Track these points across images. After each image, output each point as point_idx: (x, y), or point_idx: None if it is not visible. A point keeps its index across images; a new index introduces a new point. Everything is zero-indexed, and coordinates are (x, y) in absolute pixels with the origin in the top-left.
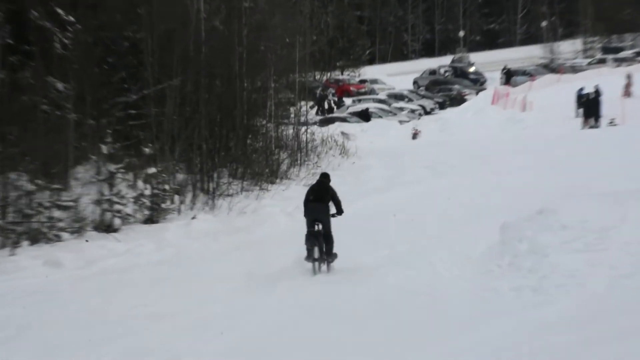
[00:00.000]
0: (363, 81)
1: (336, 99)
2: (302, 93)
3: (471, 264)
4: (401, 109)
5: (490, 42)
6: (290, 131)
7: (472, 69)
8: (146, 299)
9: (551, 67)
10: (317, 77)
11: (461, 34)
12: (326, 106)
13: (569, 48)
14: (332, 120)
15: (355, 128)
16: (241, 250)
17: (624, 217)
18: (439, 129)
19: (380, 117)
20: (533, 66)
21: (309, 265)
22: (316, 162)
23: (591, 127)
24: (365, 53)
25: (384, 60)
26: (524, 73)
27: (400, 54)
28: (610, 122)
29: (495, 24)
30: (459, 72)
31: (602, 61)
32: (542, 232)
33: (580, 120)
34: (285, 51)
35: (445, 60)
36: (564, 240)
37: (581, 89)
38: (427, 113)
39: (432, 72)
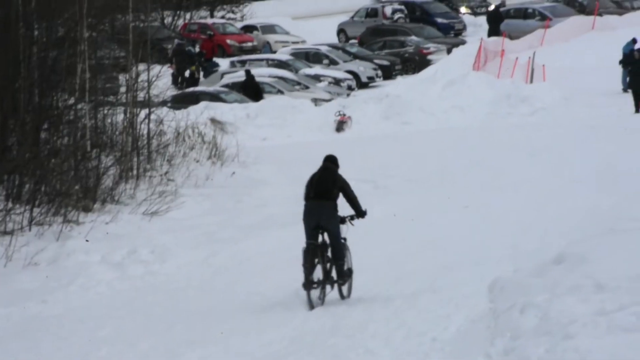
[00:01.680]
0: (249, 29)
1: (203, 60)
2: (140, 49)
3: (439, 353)
4: (317, 78)
5: None
6: (120, 118)
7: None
8: None
9: (579, 3)
10: (169, 21)
11: None
12: (186, 73)
13: None
14: (195, 98)
15: (235, 112)
16: (24, 342)
17: None
18: (384, 113)
19: (279, 92)
20: (546, 1)
21: (304, 295)
22: (166, 173)
23: None
24: None
25: None
26: (527, 14)
27: None
28: None
29: None
30: (419, 13)
31: None
32: (562, 296)
33: (630, 97)
34: None
35: None
36: (601, 310)
37: (632, 43)
38: (362, 85)
39: (371, 14)
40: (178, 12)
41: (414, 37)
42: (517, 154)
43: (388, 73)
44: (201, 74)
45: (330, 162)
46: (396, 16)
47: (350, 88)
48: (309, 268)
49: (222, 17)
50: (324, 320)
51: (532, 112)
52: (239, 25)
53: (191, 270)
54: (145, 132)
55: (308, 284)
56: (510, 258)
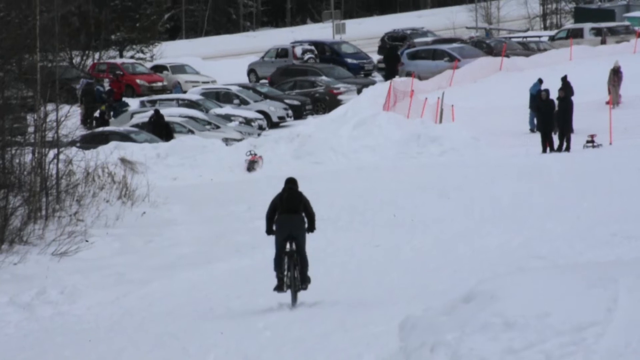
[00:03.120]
0: (159, 69)
1: (112, 99)
2: (48, 89)
3: None
4: (228, 118)
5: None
6: (29, 158)
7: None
8: None
9: (486, 45)
10: (77, 60)
11: None
12: (95, 112)
13: (516, 11)
14: (104, 138)
15: (146, 151)
16: None
17: (610, 308)
18: (295, 152)
19: (190, 131)
20: (455, 44)
21: (282, 296)
22: (76, 213)
23: (555, 150)
24: (163, 18)
25: (196, 31)
26: (436, 54)
27: (227, 22)
28: (589, 142)
29: None
30: (329, 53)
31: (574, 34)
32: (472, 334)
33: (539, 137)
34: (14, 13)
35: (305, 31)
36: (511, 348)
37: (539, 84)
38: (273, 125)
39: (282, 54)
40: (87, 52)
41: (324, 77)
42: (427, 194)
43: (299, 113)
44: (111, 113)
45: (292, 184)
46: (306, 56)
47: (261, 128)
48: (281, 273)
49: (132, 57)
50: None
51: (442, 152)
52: (149, 65)
53: (101, 311)
54: (54, 172)
55: (284, 287)
56: (421, 296)
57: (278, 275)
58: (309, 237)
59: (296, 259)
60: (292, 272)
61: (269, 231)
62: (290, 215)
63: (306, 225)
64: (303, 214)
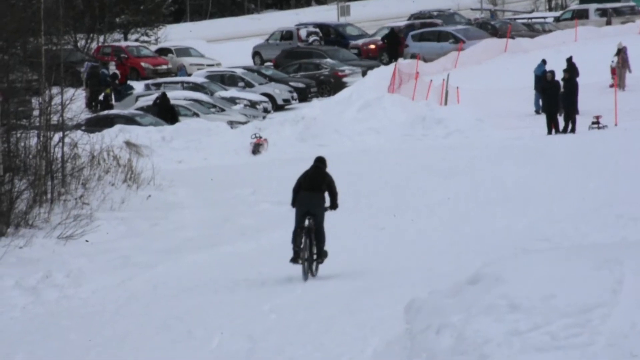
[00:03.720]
0: (164, 52)
1: (117, 82)
2: (53, 72)
3: None
4: (233, 100)
5: None
6: (34, 141)
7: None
8: None
9: (491, 26)
10: (82, 44)
11: None
12: (100, 96)
13: None
14: (109, 121)
15: (150, 135)
16: None
17: (616, 290)
18: (300, 135)
19: (195, 114)
20: (460, 24)
21: (297, 269)
22: (81, 197)
23: (560, 131)
24: (167, 1)
25: (200, 14)
26: (441, 36)
27: (232, 4)
28: (594, 123)
29: None
30: (334, 35)
31: (579, 15)
32: (477, 316)
33: (544, 118)
34: None
35: (309, 13)
36: (516, 330)
37: (543, 65)
38: (277, 108)
39: (286, 36)
40: (91, 35)
41: (329, 60)
42: (432, 176)
43: (304, 95)
44: (112, 96)
45: (320, 163)
46: (311, 39)
47: (266, 110)
48: (297, 246)
49: (136, 40)
50: (241, 344)
51: (447, 134)
52: (154, 48)
53: (106, 295)
54: (59, 155)
55: (298, 259)
56: (426, 279)
57: (294, 248)
58: (330, 215)
59: (312, 235)
60: (306, 246)
61: (293, 204)
62: (311, 192)
63: (327, 204)
64: (325, 193)
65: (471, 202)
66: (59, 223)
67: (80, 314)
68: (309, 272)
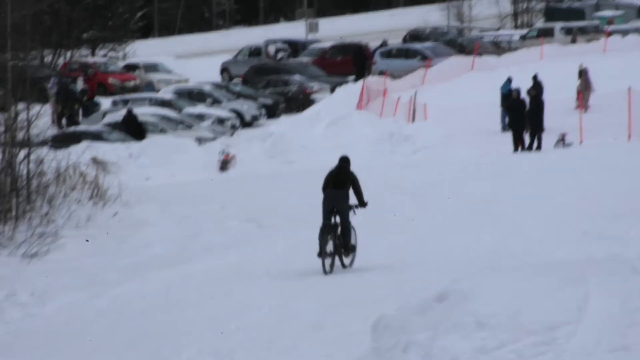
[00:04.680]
0: (132, 68)
1: (85, 98)
2: (19, 88)
3: None
4: (201, 117)
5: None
6: None
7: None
8: None
9: (458, 44)
10: (49, 59)
11: None
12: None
13: (488, 10)
14: (76, 138)
15: (118, 151)
16: None
17: (581, 307)
18: (268, 152)
19: (163, 131)
20: (428, 42)
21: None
22: (47, 214)
23: (526, 148)
24: (135, 17)
25: (169, 29)
26: (409, 54)
27: (200, 20)
28: (560, 141)
29: None
30: (303, 51)
31: (545, 33)
32: (444, 333)
33: (510, 135)
34: None
35: (278, 30)
36: (483, 347)
37: (509, 83)
38: (246, 124)
39: (255, 53)
40: (58, 51)
41: (297, 76)
42: (400, 192)
43: (272, 112)
44: (80, 113)
45: (344, 162)
46: (280, 55)
47: (234, 127)
48: (323, 242)
49: (104, 56)
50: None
51: (415, 150)
52: (121, 64)
53: (72, 313)
54: (24, 172)
55: (323, 254)
56: (394, 295)
57: (320, 243)
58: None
59: (337, 230)
60: (333, 241)
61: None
62: (335, 190)
63: (350, 201)
64: (349, 190)
65: (439, 219)
66: (23, 241)
67: (45, 334)
68: (338, 264)
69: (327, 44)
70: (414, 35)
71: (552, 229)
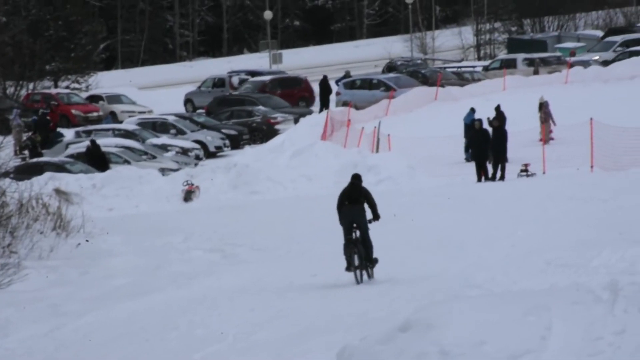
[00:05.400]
0: (95, 99)
1: (48, 130)
2: None
3: None
4: (165, 148)
5: (318, 30)
6: None
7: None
8: None
9: (422, 75)
10: (11, 91)
11: (268, 15)
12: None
13: (451, 42)
14: (39, 169)
15: (81, 182)
16: None
17: (544, 336)
18: (232, 182)
19: (126, 162)
20: (392, 73)
21: (351, 275)
22: (9, 245)
23: (490, 178)
24: (98, 48)
25: (132, 61)
26: (372, 84)
27: (164, 51)
28: (523, 171)
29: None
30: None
31: (507, 64)
32: None
33: (473, 166)
34: None
35: (241, 61)
36: None
37: (472, 113)
38: (210, 155)
39: (218, 84)
40: (21, 82)
41: (261, 107)
42: None
43: (236, 143)
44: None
45: (356, 179)
46: (244, 87)
47: (198, 158)
48: (349, 256)
49: (67, 87)
50: None
51: (379, 180)
52: (84, 95)
53: (34, 344)
54: None
55: (351, 267)
56: (359, 325)
57: (346, 259)
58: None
59: (359, 244)
60: (358, 255)
61: (340, 220)
62: (352, 205)
63: (366, 214)
64: (365, 205)
65: (403, 248)
66: None
67: None
68: (363, 276)
69: (267, 78)
70: (392, 67)
71: (516, 259)
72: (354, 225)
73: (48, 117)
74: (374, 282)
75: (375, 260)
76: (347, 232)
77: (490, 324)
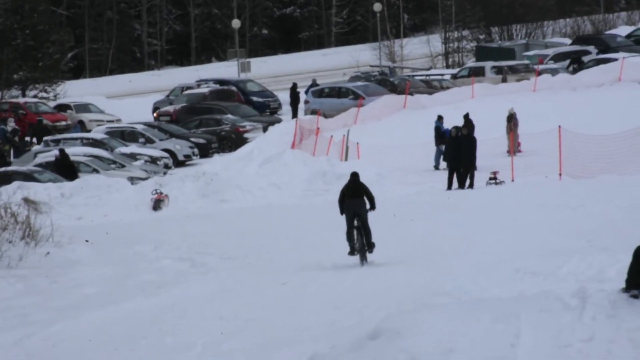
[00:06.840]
0: (63, 108)
1: (17, 139)
2: None
3: None
4: (133, 156)
5: (286, 38)
6: None
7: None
8: None
9: (390, 83)
10: None
11: (236, 24)
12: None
13: (419, 50)
14: (7, 178)
15: (49, 191)
16: None
17: (514, 344)
18: (201, 191)
19: (95, 171)
20: (360, 82)
21: (355, 258)
22: None
23: (459, 186)
24: (66, 57)
25: (100, 70)
26: (341, 93)
27: (132, 60)
28: (492, 179)
29: (293, 8)
30: (235, 91)
31: (476, 72)
32: None
33: (443, 174)
34: None
35: (210, 69)
36: None
37: (438, 121)
38: (178, 164)
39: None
40: None
41: (230, 116)
42: (333, 231)
43: (205, 151)
44: (11, 153)
45: (355, 176)
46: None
47: (166, 166)
48: (352, 242)
49: (35, 96)
50: None
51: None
52: (53, 104)
53: (2, 354)
54: None
55: (353, 252)
56: (328, 334)
57: (349, 244)
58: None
59: (361, 232)
60: (359, 240)
61: (342, 212)
62: (354, 199)
63: (368, 206)
64: (365, 198)
65: (372, 256)
66: None
67: None
68: (363, 259)
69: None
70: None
71: (485, 267)
72: (356, 215)
73: (2, 127)
74: (345, 290)
75: (373, 245)
76: (350, 222)
77: (459, 331)
